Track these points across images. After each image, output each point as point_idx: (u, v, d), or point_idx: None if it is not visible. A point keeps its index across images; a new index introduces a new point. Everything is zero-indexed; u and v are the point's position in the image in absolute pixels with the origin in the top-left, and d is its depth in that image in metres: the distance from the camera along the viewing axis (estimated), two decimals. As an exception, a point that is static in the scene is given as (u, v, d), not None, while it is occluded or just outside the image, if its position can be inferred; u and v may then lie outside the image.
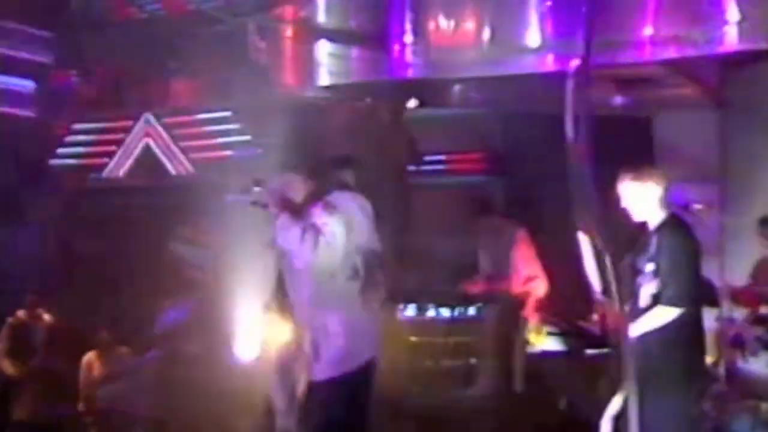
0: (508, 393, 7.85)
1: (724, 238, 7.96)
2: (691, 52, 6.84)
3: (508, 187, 10.62)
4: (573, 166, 5.16)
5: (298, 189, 5.44)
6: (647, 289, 4.92)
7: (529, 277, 7.97)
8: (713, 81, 7.81)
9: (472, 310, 8.00)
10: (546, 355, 5.68)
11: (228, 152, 10.03)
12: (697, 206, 7.50)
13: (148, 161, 10.33)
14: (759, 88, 7.70)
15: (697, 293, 4.95)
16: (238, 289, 8.27)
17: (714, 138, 8.11)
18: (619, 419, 4.41)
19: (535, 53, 7.17)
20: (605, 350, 5.52)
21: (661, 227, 5.15)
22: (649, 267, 4.94)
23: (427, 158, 10.63)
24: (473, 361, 8.26)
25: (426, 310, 8.25)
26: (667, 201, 5.25)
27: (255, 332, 8.29)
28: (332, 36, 7.93)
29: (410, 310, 8.08)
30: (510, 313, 7.93)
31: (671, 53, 6.93)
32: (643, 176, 5.33)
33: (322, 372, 5.24)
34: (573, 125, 5.28)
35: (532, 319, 7.90)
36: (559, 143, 9.25)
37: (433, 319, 8.26)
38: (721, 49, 6.99)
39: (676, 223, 5.18)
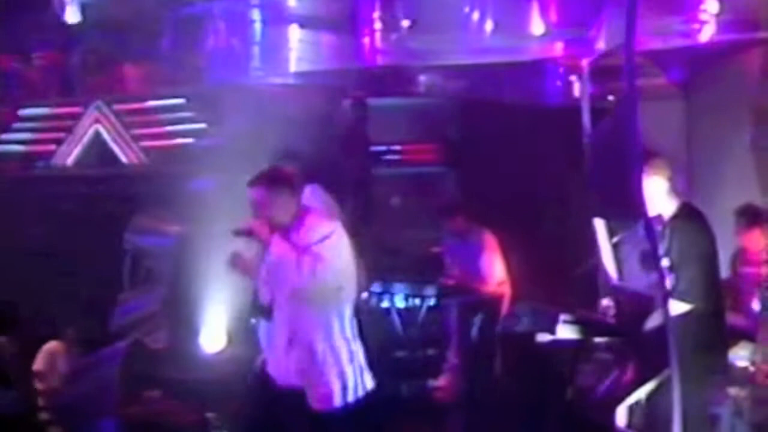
0: (483, 386, 7.84)
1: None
2: (674, 42, 6.88)
3: (463, 178, 10.63)
4: (589, 154, 5.17)
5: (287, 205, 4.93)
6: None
7: (499, 281, 7.98)
8: (683, 73, 7.90)
9: (443, 301, 8.00)
10: (557, 344, 5.65)
11: (181, 140, 9.82)
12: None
13: (97, 149, 10.02)
14: (725, 81, 7.81)
15: (710, 286, 4.87)
16: (202, 280, 8.08)
17: (680, 129, 8.19)
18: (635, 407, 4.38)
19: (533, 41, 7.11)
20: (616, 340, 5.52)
21: (673, 219, 5.07)
22: (664, 262, 4.88)
23: (381, 149, 10.56)
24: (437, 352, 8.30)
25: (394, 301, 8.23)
26: (676, 190, 5.20)
27: (220, 323, 8.15)
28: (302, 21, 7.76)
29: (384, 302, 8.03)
30: (486, 307, 7.95)
31: (652, 44, 6.97)
32: (646, 170, 5.25)
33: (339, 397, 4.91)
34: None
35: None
36: (515, 133, 9.43)
37: (403, 310, 8.23)
38: (700, 41, 7.08)
39: (688, 213, 5.11)
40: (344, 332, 4.99)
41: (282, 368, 5.04)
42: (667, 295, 4.29)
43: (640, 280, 4.77)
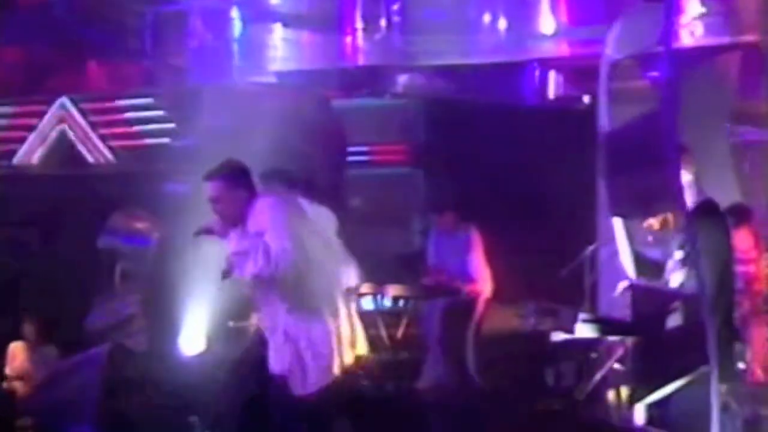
0: (463, 387, 7.84)
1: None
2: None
3: (431, 178, 10.63)
4: (606, 152, 5.18)
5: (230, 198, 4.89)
6: (676, 277, 4.93)
7: (481, 277, 7.97)
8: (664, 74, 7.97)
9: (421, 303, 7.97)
10: (573, 343, 5.69)
11: (150, 140, 9.65)
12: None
13: (63, 149, 9.78)
14: (702, 83, 7.91)
15: (725, 283, 4.91)
16: (180, 281, 7.93)
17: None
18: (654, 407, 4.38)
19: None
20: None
21: (694, 213, 5.10)
22: (678, 254, 4.92)
23: (351, 149, 10.51)
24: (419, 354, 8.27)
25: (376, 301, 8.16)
26: (699, 186, 5.24)
27: (199, 325, 8.01)
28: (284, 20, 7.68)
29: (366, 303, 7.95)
30: (463, 307, 7.94)
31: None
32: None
33: (312, 385, 4.94)
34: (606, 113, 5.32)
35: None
36: (482, 133, 9.46)
37: (383, 311, 8.18)
38: (685, 43, 7.18)
39: (709, 208, 5.14)
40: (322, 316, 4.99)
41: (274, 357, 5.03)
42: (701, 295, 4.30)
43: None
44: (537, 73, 8.63)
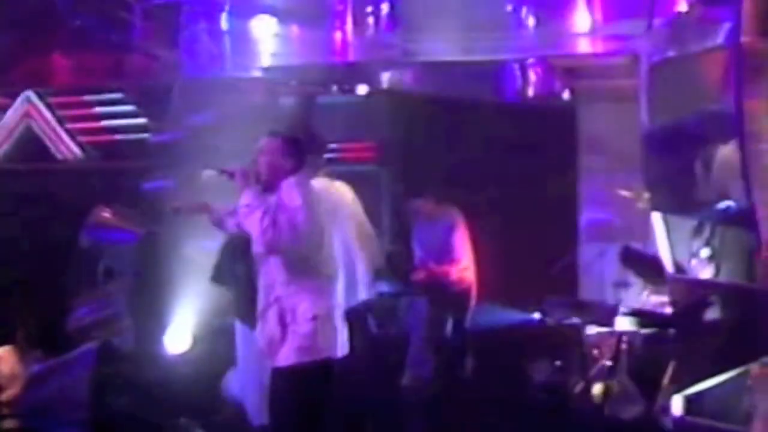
0: (448, 383, 7.87)
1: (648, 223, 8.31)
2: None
3: (398, 176, 10.65)
4: (647, 149, 5.26)
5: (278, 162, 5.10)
6: (703, 275, 5.04)
7: (466, 267, 8.00)
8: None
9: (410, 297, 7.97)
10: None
11: (120, 136, 9.46)
12: (625, 193, 7.75)
13: (29, 144, 9.51)
14: (679, 82, 8.10)
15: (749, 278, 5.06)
16: (166, 278, 7.81)
17: (636, 129, 8.45)
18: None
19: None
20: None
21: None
22: (705, 252, 5.05)
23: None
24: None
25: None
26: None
27: (186, 322, 7.90)
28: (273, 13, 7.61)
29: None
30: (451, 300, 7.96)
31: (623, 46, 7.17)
32: None
33: (286, 358, 5.03)
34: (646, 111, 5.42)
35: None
36: (448, 131, 9.50)
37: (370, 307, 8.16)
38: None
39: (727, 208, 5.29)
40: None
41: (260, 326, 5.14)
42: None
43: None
44: (516, 70, 8.71)
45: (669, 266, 5.18)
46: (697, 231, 5.27)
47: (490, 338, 8.21)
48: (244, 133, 8.43)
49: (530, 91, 8.69)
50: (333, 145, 10.75)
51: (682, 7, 5.97)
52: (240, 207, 4.99)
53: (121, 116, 9.39)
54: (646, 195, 7.39)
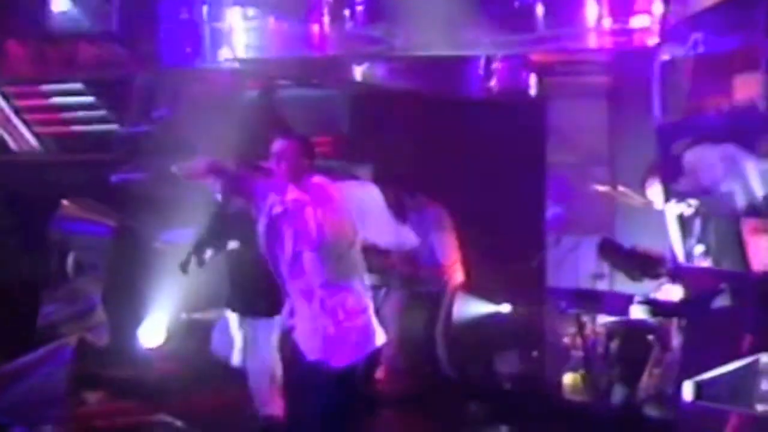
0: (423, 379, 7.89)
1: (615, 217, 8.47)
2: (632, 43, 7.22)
3: (354, 170, 10.62)
4: (661, 142, 5.36)
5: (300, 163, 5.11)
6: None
7: (451, 263, 8.05)
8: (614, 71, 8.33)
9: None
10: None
11: (79, 127, 9.23)
12: (602, 188, 7.88)
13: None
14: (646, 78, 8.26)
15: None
16: (140, 272, 7.67)
17: (604, 124, 8.62)
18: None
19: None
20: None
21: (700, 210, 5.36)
22: (699, 249, 5.18)
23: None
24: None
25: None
26: None
27: (160, 316, 7.77)
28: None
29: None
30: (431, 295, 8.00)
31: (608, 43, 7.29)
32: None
33: (347, 356, 5.02)
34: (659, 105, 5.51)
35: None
36: (414, 125, 9.53)
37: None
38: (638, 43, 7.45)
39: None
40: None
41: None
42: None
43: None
44: (482, 65, 8.77)
45: (680, 254, 5.32)
46: (688, 228, 5.42)
47: (461, 331, 8.29)
48: (210, 126, 8.44)
49: (498, 87, 8.76)
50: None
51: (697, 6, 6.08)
52: (286, 202, 4.95)
53: (79, 108, 9.18)
54: (621, 189, 7.55)
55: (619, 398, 6.91)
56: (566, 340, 7.72)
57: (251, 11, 7.60)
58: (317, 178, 5.08)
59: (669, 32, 6.29)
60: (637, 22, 7.49)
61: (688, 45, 5.91)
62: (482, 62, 8.79)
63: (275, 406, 6.29)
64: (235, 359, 6.54)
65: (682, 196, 5.38)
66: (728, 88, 5.80)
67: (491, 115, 8.93)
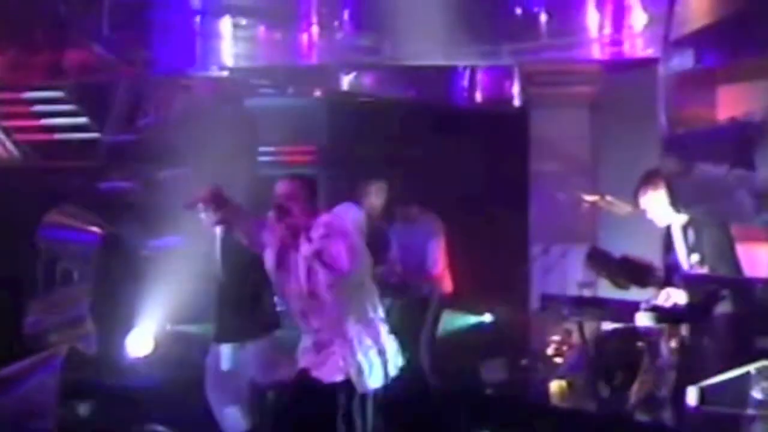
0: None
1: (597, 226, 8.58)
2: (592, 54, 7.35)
3: (335, 179, 10.65)
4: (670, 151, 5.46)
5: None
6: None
7: (441, 273, 8.08)
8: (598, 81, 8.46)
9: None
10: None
11: (59, 135, 9.15)
12: (589, 197, 7.95)
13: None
14: (629, 89, 8.39)
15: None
16: (127, 279, 7.61)
17: (587, 133, 8.74)
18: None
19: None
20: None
21: (693, 222, 5.45)
22: (694, 258, 5.27)
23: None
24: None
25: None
26: None
27: (148, 325, 7.71)
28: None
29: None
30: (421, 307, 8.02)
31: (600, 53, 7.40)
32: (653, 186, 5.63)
33: (370, 382, 5.17)
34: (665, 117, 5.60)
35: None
36: (393, 134, 9.58)
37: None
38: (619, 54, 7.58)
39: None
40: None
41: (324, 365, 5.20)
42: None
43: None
44: (467, 75, 8.85)
45: (684, 264, 5.43)
46: (686, 235, 5.53)
47: (446, 340, 8.34)
48: (194, 134, 8.42)
49: (482, 96, 8.85)
50: (272, 148, 10.92)
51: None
52: (300, 243, 5.04)
53: (60, 115, 9.11)
54: (609, 198, 7.65)
55: (609, 405, 6.97)
56: (552, 348, 7.78)
57: (242, 20, 7.55)
58: (326, 215, 5.20)
59: (672, 46, 6.38)
60: (625, 33, 7.63)
61: (690, 59, 6.03)
62: (467, 72, 8.84)
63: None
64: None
65: (685, 206, 5.48)
66: (729, 101, 5.92)
67: (475, 124, 9.02)
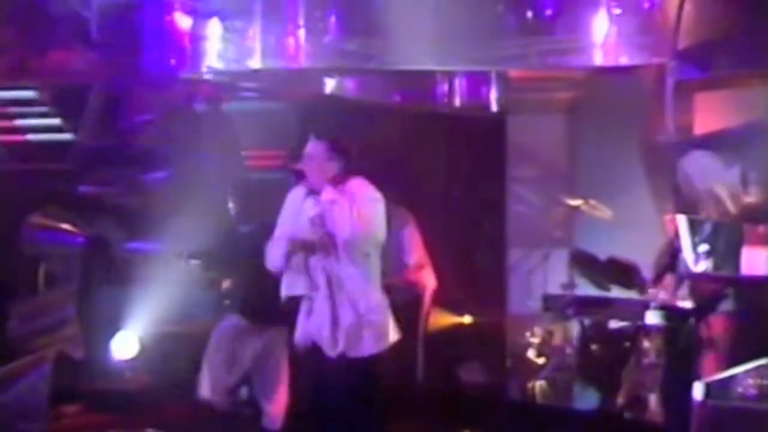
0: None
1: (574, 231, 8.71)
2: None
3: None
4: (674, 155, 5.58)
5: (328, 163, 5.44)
6: (700, 269, 5.41)
7: (419, 265, 8.10)
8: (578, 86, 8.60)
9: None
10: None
11: (32, 136, 9.02)
12: (572, 202, 8.07)
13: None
14: (607, 95, 8.55)
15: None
16: (112, 282, 7.56)
17: (564, 139, 8.88)
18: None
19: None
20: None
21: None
22: (702, 248, 5.44)
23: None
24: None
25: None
26: None
27: (134, 328, 7.67)
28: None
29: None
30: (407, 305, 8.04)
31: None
32: None
33: (367, 347, 5.38)
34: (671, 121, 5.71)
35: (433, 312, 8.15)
36: (370, 139, 9.61)
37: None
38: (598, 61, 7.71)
39: None
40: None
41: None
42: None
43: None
44: (445, 79, 8.93)
45: (690, 262, 5.58)
46: (698, 228, 5.70)
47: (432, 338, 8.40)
48: (172, 138, 8.38)
49: (460, 101, 8.94)
50: (245, 153, 10.88)
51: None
52: (323, 202, 5.27)
53: (34, 116, 8.98)
54: (592, 202, 7.79)
55: (596, 404, 7.11)
56: (533, 350, 7.89)
57: (230, 23, 7.54)
58: (355, 180, 5.41)
59: (678, 54, 6.54)
60: (605, 40, 7.76)
61: (693, 66, 6.19)
62: (445, 76, 8.93)
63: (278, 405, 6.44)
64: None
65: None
66: (732, 107, 6.09)
67: (453, 128, 9.11)
